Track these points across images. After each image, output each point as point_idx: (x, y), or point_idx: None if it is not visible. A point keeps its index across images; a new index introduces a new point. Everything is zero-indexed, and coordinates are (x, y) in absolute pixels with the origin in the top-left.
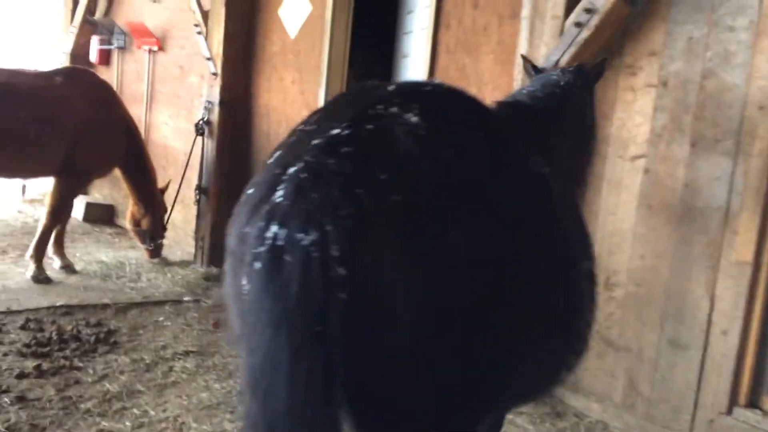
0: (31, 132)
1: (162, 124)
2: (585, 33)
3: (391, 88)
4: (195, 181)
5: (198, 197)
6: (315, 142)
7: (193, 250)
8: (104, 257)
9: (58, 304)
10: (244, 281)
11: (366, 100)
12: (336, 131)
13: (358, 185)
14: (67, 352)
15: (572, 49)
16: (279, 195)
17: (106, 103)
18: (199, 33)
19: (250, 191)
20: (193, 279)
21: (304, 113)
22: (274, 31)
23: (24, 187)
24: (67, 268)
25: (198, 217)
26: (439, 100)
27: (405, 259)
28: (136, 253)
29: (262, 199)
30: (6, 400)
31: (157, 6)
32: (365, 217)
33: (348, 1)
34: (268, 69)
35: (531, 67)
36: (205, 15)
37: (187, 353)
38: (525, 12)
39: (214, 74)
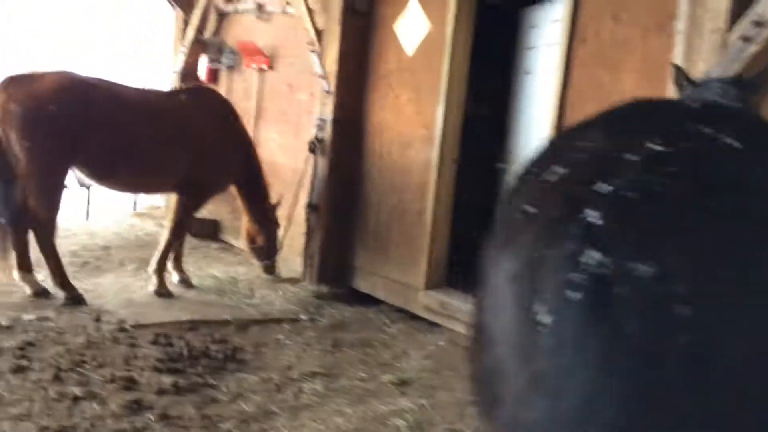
0: (158, 149)
1: (269, 141)
2: (753, 48)
3: (695, 106)
4: (303, 199)
5: (308, 215)
6: (629, 157)
7: (299, 267)
8: (216, 272)
9: (182, 319)
10: (543, 311)
11: (669, 117)
12: (655, 148)
13: (694, 210)
14: (199, 369)
15: (736, 65)
16: (592, 215)
17: (228, 121)
18: (313, 51)
19: (528, 208)
20: (304, 297)
21: (420, 132)
22: (390, 48)
23: (136, 201)
24: (185, 282)
25: (307, 234)
26: (754, 125)
27: (744, 297)
28: (244, 269)
29: (563, 217)
30: (150, 417)
31: (266, 25)
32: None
33: (469, 18)
34: (383, 87)
35: (684, 79)
36: (319, 33)
37: (313, 374)
38: (680, 25)
39: (328, 92)
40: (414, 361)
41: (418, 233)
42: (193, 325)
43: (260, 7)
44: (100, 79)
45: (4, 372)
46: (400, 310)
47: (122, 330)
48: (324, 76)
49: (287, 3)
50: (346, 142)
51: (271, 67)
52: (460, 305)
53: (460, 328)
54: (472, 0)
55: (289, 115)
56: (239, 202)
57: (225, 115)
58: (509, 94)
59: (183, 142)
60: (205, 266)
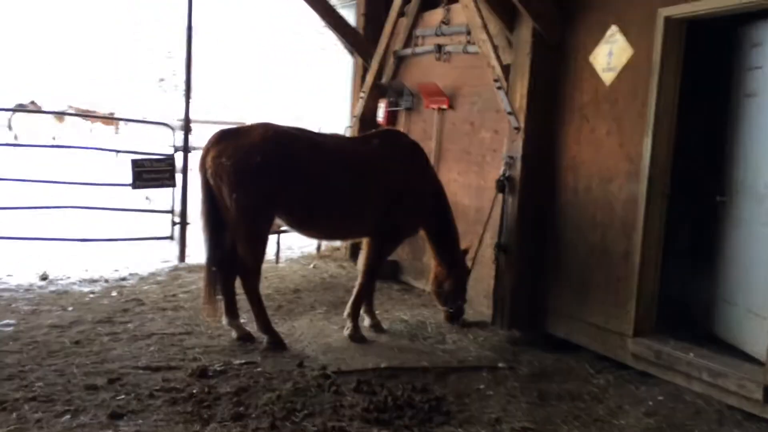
0: (356, 195)
1: (451, 182)
2: None
3: None
4: (489, 239)
5: (497, 256)
6: None
7: (485, 309)
8: (404, 316)
9: (382, 365)
10: None
11: None
12: None
13: None
14: (406, 420)
15: None
16: None
17: (419, 164)
18: (499, 88)
19: None
20: (497, 342)
21: (624, 166)
22: (584, 79)
23: (320, 243)
24: (376, 326)
25: (497, 276)
26: None
27: None
28: (429, 311)
29: None
30: None
31: (446, 65)
32: None
33: (679, 40)
34: (577, 120)
35: None
36: (505, 69)
37: (525, 430)
38: None
39: (517, 128)
40: (632, 418)
41: (624, 274)
42: (393, 372)
43: (440, 49)
44: (299, 129)
45: (226, 419)
46: (603, 358)
47: (325, 376)
48: (512, 113)
49: (468, 42)
50: (537, 179)
51: (451, 107)
52: (681, 355)
53: (681, 381)
54: (682, 21)
55: (472, 155)
56: (427, 246)
57: (417, 157)
58: (725, 120)
59: (379, 187)
60: (391, 309)
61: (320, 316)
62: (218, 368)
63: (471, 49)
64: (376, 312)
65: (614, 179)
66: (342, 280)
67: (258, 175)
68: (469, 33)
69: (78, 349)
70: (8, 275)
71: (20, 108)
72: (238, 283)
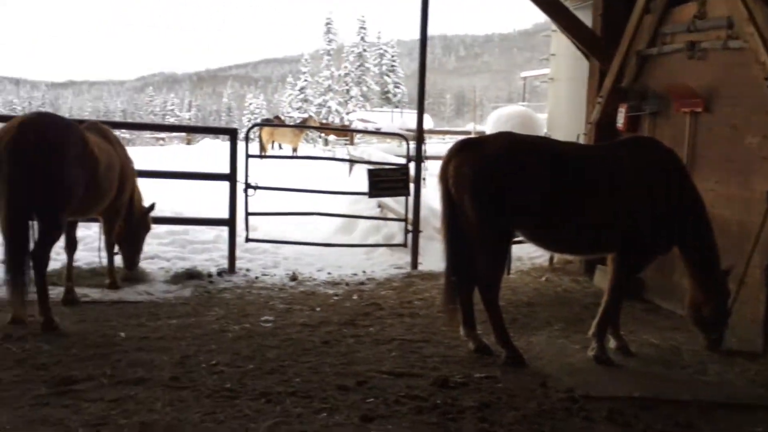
0: (603, 207)
1: (707, 192)
2: None
3: None
4: (757, 258)
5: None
6: None
7: (753, 337)
8: (653, 339)
9: (635, 394)
10: None
11: None
12: None
13: None
14: None
15: None
16: None
17: (676, 174)
18: None
19: None
20: None
21: None
22: None
23: (552, 256)
24: (623, 349)
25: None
26: None
27: None
28: (683, 336)
29: None
30: None
31: (700, 64)
32: None
33: None
34: None
35: None
36: None
37: None
38: None
39: None
40: None
41: None
42: (649, 403)
43: (693, 46)
44: (542, 138)
45: None
46: None
47: (573, 400)
48: None
49: (728, 37)
50: None
51: (706, 110)
52: None
53: None
54: None
55: (735, 162)
56: (679, 263)
57: (674, 167)
58: None
59: (630, 199)
60: (637, 331)
61: (558, 333)
62: (459, 380)
63: (733, 44)
64: (622, 333)
65: None
66: (577, 296)
67: (500, 186)
68: (730, 27)
69: (327, 348)
70: (264, 275)
71: (266, 122)
72: (476, 294)
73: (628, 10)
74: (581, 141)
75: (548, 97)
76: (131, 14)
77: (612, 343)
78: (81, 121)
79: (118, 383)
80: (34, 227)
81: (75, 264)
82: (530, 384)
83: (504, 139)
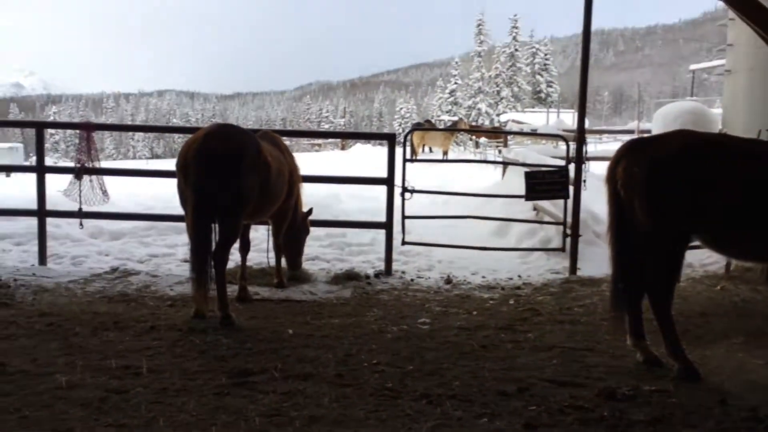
0: None
1: None
2: None
3: None
4: None
5: None
6: None
7: None
8: None
9: None
10: None
11: None
12: None
13: None
14: None
15: None
16: None
17: None
18: None
19: None
20: None
21: None
22: None
23: (729, 263)
24: None
25: None
26: None
27: None
28: None
29: None
30: None
31: None
32: None
33: None
34: None
35: None
36: None
37: None
38: None
39: None
40: None
41: None
42: None
43: None
44: (724, 136)
45: None
46: None
47: (758, 420)
48: None
49: None
50: None
51: None
52: None
53: None
54: None
55: None
56: None
57: None
58: None
59: None
60: None
61: (737, 347)
62: (627, 392)
63: None
64: None
65: None
66: (759, 307)
67: (677, 188)
68: None
69: (486, 353)
70: (419, 277)
71: (418, 127)
72: (644, 302)
73: None
74: (764, 137)
75: (724, 91)
76: (286, 28)
77: None
78: (255, 131)
79: (288, 377)
80: (215, 230)
81: (247, 264)
82: (707, 400)
83: (680, 138)
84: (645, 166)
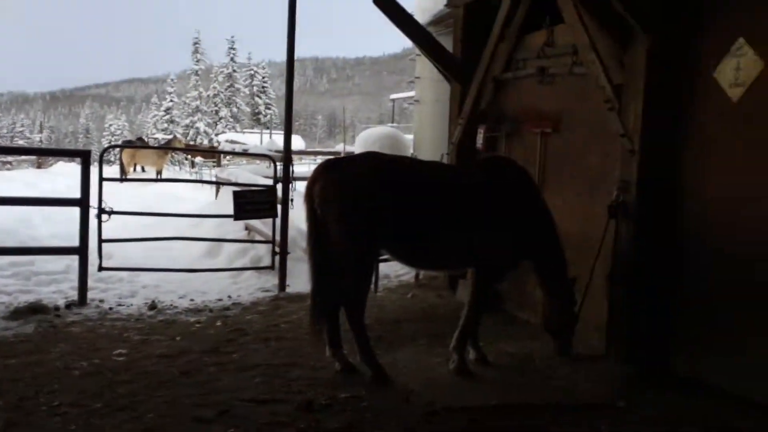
0: (461, 225)
1: (555, 208)
2: None
3: None
4: (600, 268)
5: (610, 286)
6: None
7: (596, 343)
8: (509, 349)
9: (492, 403)
10: None
11: None
12: None
13: None
14: None
15: None
16: None
17: (528, 192)
18: (611, 109)
19: None
20: (612, 378)
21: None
22: (709, 96)
23: (418, 273)
24: (482, 360)
25: (610, 308)
26: None
27: None
28: (536, 344)
29: None
30: None
31: (549, 88)
32: None
33: None
34: (699, 141)
35: None
36: (617, 89)
37: None
38: None
39: (631, 151)
40: None
41: None
42: (505, 411)
43: (542, 71)
44: (402, 158)
45: None
46: (749, 403)
47: (434, 413)
48: (626, 134)
49: (573, 63)
50: (655, 204)
51: (555, 131)
52: None
53: None
54: None
55: (579, 179)
56: (532, 275)
57: (526, 185)
58: None
59: (485, 216)
60: (495, 341)
61: (422, 348)
62: (324, 402)
63: (577, 70)
64: (481, 344)
65: (762, 200)
66: (442, 311)
67: (364, 206)
68: (575, 53)
69: (186, 379)
70: (119, 305)
71: (128, 144)
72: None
73: (486, 37)
74: (445, 160)
75: (414, 119)
76: None
77: (471, 355)
78: None
79: None
80: None
81: None
82: (394, 401)
83: (368, 159)
84: (337, 185)
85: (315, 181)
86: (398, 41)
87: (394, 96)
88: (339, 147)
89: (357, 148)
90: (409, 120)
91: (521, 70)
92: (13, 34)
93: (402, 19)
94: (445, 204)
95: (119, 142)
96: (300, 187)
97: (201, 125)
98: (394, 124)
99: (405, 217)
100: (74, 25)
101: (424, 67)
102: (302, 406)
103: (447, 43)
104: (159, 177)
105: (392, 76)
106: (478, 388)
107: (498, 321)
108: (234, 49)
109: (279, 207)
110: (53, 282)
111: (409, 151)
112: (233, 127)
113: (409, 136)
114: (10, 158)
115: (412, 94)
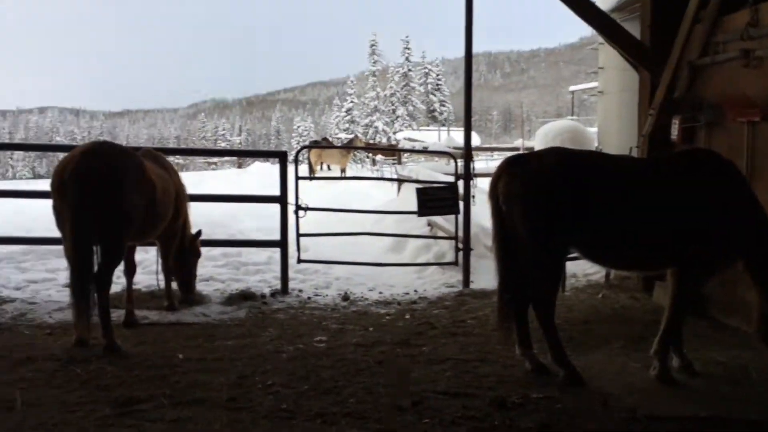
0: (660, 222)
1: (765, 204)
2: None
3: None
4: None
5: None
6: None
7: None
8: (719, 357)
9: (702, 414)
10: None
11: None
12: None
13: None
14: None
15: None
16: None
17: (736, 187)
18: None
19: None
20: None
21: None
22: None
23: (608, 272)
24: (688, 368)
25: None
26: None
27: None
28: (750, 354)
29: None
30: None
31: (756, 72)
32: None
33: None
34: None
35: None
36: None
37: None
38: None
39: None
40: None
41: None
42: (717, 423)
43: (747, 54)
44: (593, 153)
45: None
46: None
47: (636, 420)
48: None
49: None
50: None
51: (765, 119)
52: None
53: None
54: None
55: None
56: (744, 278)
57: (732, 178)
58: None
59: (688, 213)
60: (701, 349)
61: (618, 352)
62: (516, 400)
63: None
64: (685, 351)
65: None
66: (636, 313)
67: (552, 201)
68: None
69: (381, 369)
70: (316, 295)
71: (315, 144)
72: (531, 312)
73: (677, 20)
74: (634, 154)
75: (598, 111)
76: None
77: (675, 362)
78: (137, 148)
79: (177, 404)
80: (97, 252)
81: (134, 287)
82: (590, 404)
83: (554, 154)
84: (522, 181)
85: (499, 177)
86: (575, 30)
87: (573, 88)
88: (517, 142)
89: (537, 143)
90: (590, 112)
91: (721, 54)
92: (214, 47)
93: (584, 7)
94: (640, 200)
95: (307, 143)
96: (480, 184)
97: (379, 124)
98: (575, 117)
99: (595, 214)
100: (266, 34)
101: (608, 56)
102: (494, 403)
103: (632, 29)
104: (343, 175)
105: (569, 67)
106: (685, 397)
107: (704, 327)
108: (409, 48)
109: (461, 203)
110: (258, 272)
111: (594, 145)
112: (409, 125)
113: (593, 130)
114: (215, 159)
115: (593, 85)
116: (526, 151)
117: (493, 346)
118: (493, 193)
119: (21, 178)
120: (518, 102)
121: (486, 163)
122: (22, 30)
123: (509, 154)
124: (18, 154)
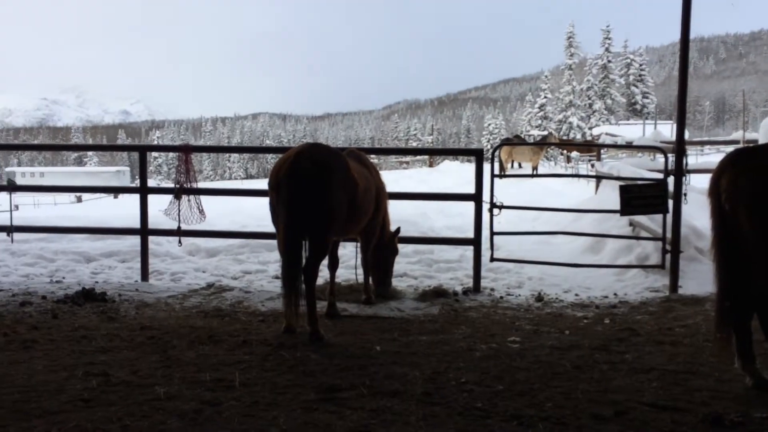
0: None
1: None
2: None
3: None
4: None
5: None
6: None
7: None
8: None
9: None
10: None
11: None
12: None
13: None
14: None
15: None
16: None
17: None
18: None
19: None
20: None
21: None
22: None
23: None
24: None
25: None
26: None
27: None
28: None
29: None
30: None
31: None
32: None
33: None
34: None
35: None
36: None
37: None
38: None
39: None
40: None
41: None
42: None
43: None
44: None
45: None
46: None
47: None
48: None
49: None
50: None
51: None
52: None
53: None
54: None
55: None
56: None
57: None
58: None
59: None
60: None
61: None
62: (735, 418)
63: None
64: None
65: None
66: None
67: None
68: None
69: (579, 374)
70: (508, 294)
71: (506, 142)
72: (755, 323)
73: None
74: None
75: None
76: (373, 47)
77: None
78: (343, 149)
79: (375, 394)
80: (305, 246)
81: (336, 281)
82: None
83: None
84: (751, 177)
85: (722, 173)
86: None
87: None
88: (736, 134)
89: (761, 136)
90: None
91: None
92: (407, 49)
93: None
94: None
95: (497, 141)
96: (693, 181)
97: (574, 120)
98: None
99: None
100: (457, 33)
101: None
102: (709, 420)
103: None
104: (535, 173)
105: None
106: None
107: None
108: (609, 38)
109: (670, 202)
110: (450, 269)
111: None
112: (607, 120)
113: None
114: (407, 158)
115: None
116: (748, 145)
117: (705, 358)
118: (715, 191)
119: (236, 178)
120: (734, 90)
121: (696, 159)
122: (236, 47)
123: (723, 148)
124: (234, 156)
